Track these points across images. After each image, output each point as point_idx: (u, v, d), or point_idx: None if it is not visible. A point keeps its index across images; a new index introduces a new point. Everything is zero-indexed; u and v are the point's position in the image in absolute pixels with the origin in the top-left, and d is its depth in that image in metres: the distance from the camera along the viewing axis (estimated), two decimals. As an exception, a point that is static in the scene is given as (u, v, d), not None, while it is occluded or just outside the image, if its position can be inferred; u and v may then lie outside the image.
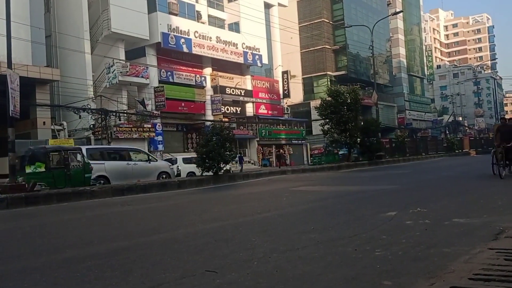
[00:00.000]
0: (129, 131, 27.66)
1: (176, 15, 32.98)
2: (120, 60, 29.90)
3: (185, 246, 5.04)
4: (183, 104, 33.11)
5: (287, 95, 43.03)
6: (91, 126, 27.48)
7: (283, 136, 40.92)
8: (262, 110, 39.93)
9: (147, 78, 30.96)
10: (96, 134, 27.30)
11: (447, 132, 61.89)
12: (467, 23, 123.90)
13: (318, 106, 27.20)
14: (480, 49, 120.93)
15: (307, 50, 49.12)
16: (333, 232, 5.42)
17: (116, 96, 29.62)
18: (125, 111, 28.79)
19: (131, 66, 30.18)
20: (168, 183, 15.24)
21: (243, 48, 37.35)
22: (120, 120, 27.64)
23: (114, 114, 26.38)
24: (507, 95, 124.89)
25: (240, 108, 38.10)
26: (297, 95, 47.21)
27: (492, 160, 12.07)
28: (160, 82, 32.11)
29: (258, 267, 3.92)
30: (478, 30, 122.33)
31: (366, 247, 4.42)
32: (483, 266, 3.29)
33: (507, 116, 47.16)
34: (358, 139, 27.18)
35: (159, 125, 31.21)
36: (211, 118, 33.67)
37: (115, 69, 29.23)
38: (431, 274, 3.30)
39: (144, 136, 28.56)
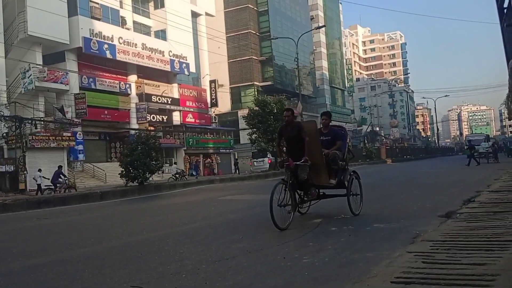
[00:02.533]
0: (46, 140, 26.02)
1: (99, 19, 31.73)
2: (37, 64, 28.11)
3: (108, 260, 4.80)
4: (106, 112, 31.82)
5: (214, 104, 43.00)
6: (4, 134, 25.52)
7: (211, 145, 40.76)
8: (190, 119, 39.50)
9: (67, 84, 29.39)
10: (9, 143, 25.37)
11: (366, 141, 65.27)
12: (383, 39, 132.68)
13: (246, 115, 27.51)
14: (394, 64, 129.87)
15: (235, 60, 49.52)
16: (262, 240, 5.45)
17: (32, 102, 27.77)
18: (42, 119, 27.06)
19: (49, 71, 28.49)
20: (90, 194, 14.50)
21: (170, 56, 36.80)
22: (36, 128, 25.89)
23: (29, 121, 24.68)
24: (418, 107, 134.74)
25: (166, 117, 37.39)
26: (224, 104, 47.35)
27: (271, 198, 5.84)
28: (81, 88, 30.62)
29: (187, 279, 3.83)
30: (392, 47, 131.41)
31: (294, 255, 4.48)
32: (403, 269, 3.44)
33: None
34: (284, 148, 27.80)
35: (79, 134, 29.68)
36: (136, 126, 32.66)
37: (31, 74, 27.44)
38: (356, 279, 3.40)
39: (63, 145, 27.02)
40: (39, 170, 21.84)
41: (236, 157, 40.56)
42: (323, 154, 6.81)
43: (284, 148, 6.97)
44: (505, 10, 8.50)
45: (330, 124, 7.41)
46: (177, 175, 25.09)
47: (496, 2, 8.77)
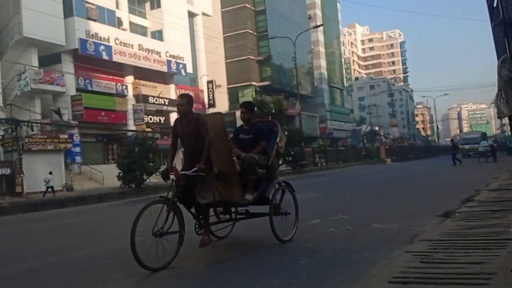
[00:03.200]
0: (43, 142, 25.91)
1: (95, 20, 31.64)
2: (32, 66, 28.01)
3: (105, 263, 4.77)
4: (103, 114, 31.73)
5: (212, 104, 42.95)
6: (0, 137, 25.41)
7: (209, 146, 40.67)
8: (187, 120, 39.42)
9: (63, 86, 29.28)
10: (5, 145, 25.27)
11: (365, 141, 65.25)
12: (382, 38, 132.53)
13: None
14: (393, 62, 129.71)
15: (232, 60, 49.45)
16: (260, 242, 5.43)
17: (29, 105, 27.67)
18: (38, 121, 26.95)
19: (45, 73, 28.38)
20: (87, 197, 14.46)
21: (167, 57, 36.74)
22: (32, 130, 25.81)
23: (26, 124, 24.58)
24: (417, 106, 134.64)
25: (164, 118, 37.30)
26: (222, 105, 47.28)
27: (134, 224, 4.24)
28: (78, 90, 30.52)
29: (184, 281, 3.85)
30: (391, 45, 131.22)
31: (292, 256, 4.46)
32: (401, 269, 3.43)
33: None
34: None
35: (76, 136, 29.59)
36: (133, 128, 32.59)
37: (27, 76, 27.32)
38: (354, 279, 3.39)
39: (60, 147, 26.92)
40: (50, 173, 22.07)
41: None
42: (240, 158, 5.07)
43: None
44: (494, 10, 8.50)
45: (257, 119, 5.82)
46: None
47: (486, 1, 8.77)
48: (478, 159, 28.20)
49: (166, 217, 4.38)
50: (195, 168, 4.47)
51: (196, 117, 4.88)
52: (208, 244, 4.65)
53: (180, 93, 38.38)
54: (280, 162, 5.94)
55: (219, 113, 5.60)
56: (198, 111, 40.47)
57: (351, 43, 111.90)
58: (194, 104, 5.20)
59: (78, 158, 29.54)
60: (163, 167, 29.15)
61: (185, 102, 4.91)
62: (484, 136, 41.95)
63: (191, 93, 40.33)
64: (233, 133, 5.65)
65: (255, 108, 23.83)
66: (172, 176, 4.56)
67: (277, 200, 5.26)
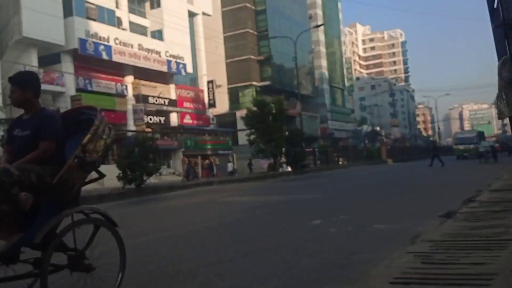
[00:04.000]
0: (43, 142, 25.92)
1: (94, 20, 31.63)
2: (32, 66, 27.99)
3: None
4: (103, 114, 31.70)
5: (212, 104, 42.93)
6: (0, 137, 25.40)
7: (209, 147, 40.64)
8: (187, 120, 39.39)
9: (63, 86, 29.28)
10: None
11: (366, 141, 65.17)
12: (383, 37, 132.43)
13: (245, 116, 27.50)
14: (394, 62, 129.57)
15: (232, 60, 49.45)
16: (261, 243, 5.41)
17: (29, 105, 27.59)
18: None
19: (45, 73, 28.34)
20: (87, 197, 14.42)
21: (167, 57, 36.71)
22: (33, 130, 25.77)
23: (26, 124, 24.51)
24: (419, 106, 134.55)
25: (164, 118, 37.29)
26: (222, 105, 47.29)
27: None
28: (77, 90, 30.49)
29: (185, 282, 3.82)
30: (393, 45, 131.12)
31: (293, 257, 4.46)
32: (402, 270, 3.41)
33: None
34: (284, 149, 27.88)
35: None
36: (133, 128, 32.58)
37: (27, 76, 27.29)
38: (355, 280, 3.38)
39: (60, 147, 26.91)
40: None
41: (250, 159, 39.93)
42: None
43: None
44: (495, 11, 8.49)
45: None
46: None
47: (487, 3, 8.77)
48: (479, 160, 27.97)
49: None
50: None
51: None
52: None
53: (180, 93, 38.38)
54: (101, 176, 3.47)
55: None
56: (199, 111, 40.58)
57: (352, 42, 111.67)
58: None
59: (78, 159, 29.51)
60: (163, 167, 29.26)
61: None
62: (481, 135, 40.49)
63: (191, 93, 40.31)
64: (7, 128, 3.39)
65: (256, 109, 23.25)
66: None
67: (79, 243, 3.17)
